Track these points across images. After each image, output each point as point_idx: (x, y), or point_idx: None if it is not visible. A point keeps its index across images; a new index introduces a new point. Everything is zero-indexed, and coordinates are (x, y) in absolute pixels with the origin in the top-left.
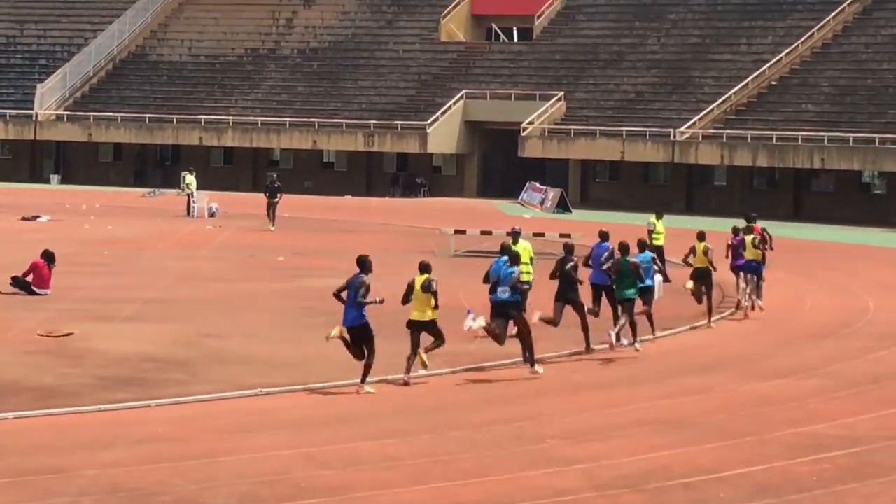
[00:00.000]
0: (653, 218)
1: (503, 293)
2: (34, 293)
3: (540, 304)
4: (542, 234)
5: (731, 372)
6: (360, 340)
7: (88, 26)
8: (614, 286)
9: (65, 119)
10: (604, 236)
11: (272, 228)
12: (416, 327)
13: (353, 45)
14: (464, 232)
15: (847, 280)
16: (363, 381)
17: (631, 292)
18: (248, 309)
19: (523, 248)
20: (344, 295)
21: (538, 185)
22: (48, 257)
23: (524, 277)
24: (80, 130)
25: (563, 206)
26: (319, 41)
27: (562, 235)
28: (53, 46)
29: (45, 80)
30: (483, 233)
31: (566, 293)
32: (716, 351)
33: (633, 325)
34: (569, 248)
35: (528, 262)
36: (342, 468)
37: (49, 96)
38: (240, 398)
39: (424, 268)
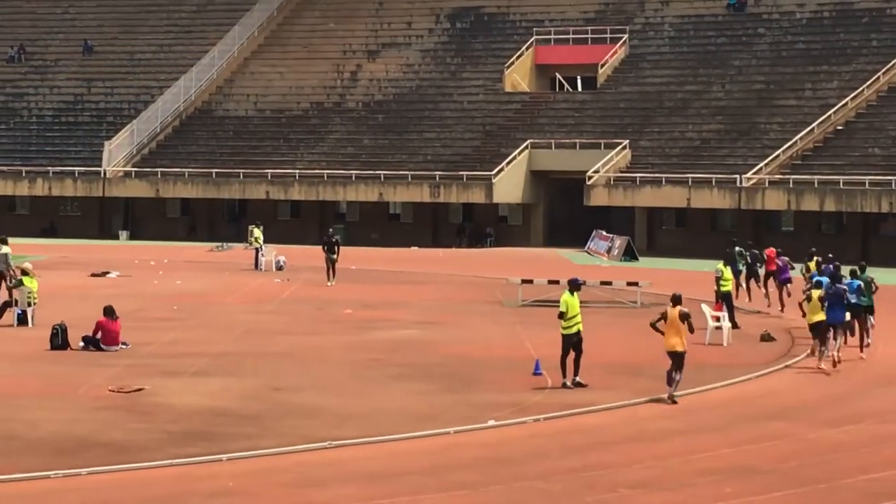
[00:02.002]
0: (720, 265)
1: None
2: (103, 350)
3: (607, 347)
4: (609, 283)
5: (802, 418)
6: None
7: (155, 83)
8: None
9: (133, 175)
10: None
11: (330, 284)
12: (675, 356)
13: (417, 97)
14: (531, 281)
15: None
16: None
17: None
18: (317, 362)
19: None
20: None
21: (605, 233)
22: (108, 312)
23: (576, 328)
24: (148, 186)
25: (630, 254)
26: (384, 94)
27: (629, 284)
28: (120, 104)
29: (112, 137)
30: (550, 282)
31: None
32: (786, 397)
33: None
34: (677, 299)
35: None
36: None
37: (117, 153)
38: (310, 451)
39: (677, 300)
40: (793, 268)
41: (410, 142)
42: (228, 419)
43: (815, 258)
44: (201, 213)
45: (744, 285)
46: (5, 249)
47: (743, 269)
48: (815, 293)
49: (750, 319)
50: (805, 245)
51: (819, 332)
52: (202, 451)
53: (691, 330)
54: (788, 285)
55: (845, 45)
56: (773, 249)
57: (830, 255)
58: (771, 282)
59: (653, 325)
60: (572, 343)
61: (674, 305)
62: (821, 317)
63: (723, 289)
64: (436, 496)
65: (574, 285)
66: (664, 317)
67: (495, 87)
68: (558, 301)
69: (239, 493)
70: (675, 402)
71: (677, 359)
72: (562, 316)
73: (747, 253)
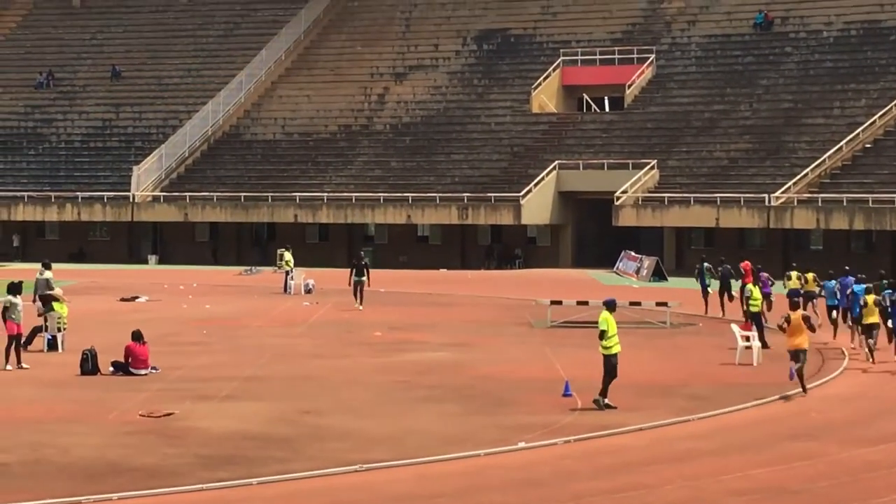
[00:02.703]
0: (750, 285)
1: None
2: (133, 374)
3: (637, 367)
4: (638, 304)
5: (833, 437)
6: None
7: (183, 107)
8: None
9: (161, 200)
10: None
11: (360, 308)
12: (796, 353)
13: (445, 119)
14: (560, 303)
15: None
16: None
17: None
18: (347, 385)
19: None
20: None
21: (633, 253)
22: (137, 337)
23: (615, 349)
24: (177, 211)
25: (658, 274)
26: (412, 116)
27: (659, 304)
28: (149, 128)
29: (141, 161)
30: (579, 303)
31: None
32: (816, 416)
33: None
34: (795, 304)
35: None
36: None
37: (145, 178)
38: (340, 474)
39: (795, 305)
40: (773, 283)
41: (438, 164)
42: (258, 443)
43: (794, 271)
44: (230, 236)
45: (720, 300)
46: (48, 274)
47: (711, 284)
48: (871, 298)
49: (779, 339)
50: (833, 264)
51: (868, 331)
52: (233, 476)
53: (812, 330)
54: (769, 299)
55: (873, 62)
56: (747, 263)
57: (847, 267)
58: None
59: (780, 327)
60: (613, 363)
61: (793, 310)
62: (875, 319)
63: (752, 308)
64: None
65: (611, 305)
66: (787, 320)
67: (523, 109)
68: (588, 322)
69: None
70: (805, 392)
71: (801, 354)
72: (603, 335)
73: (720, 269)
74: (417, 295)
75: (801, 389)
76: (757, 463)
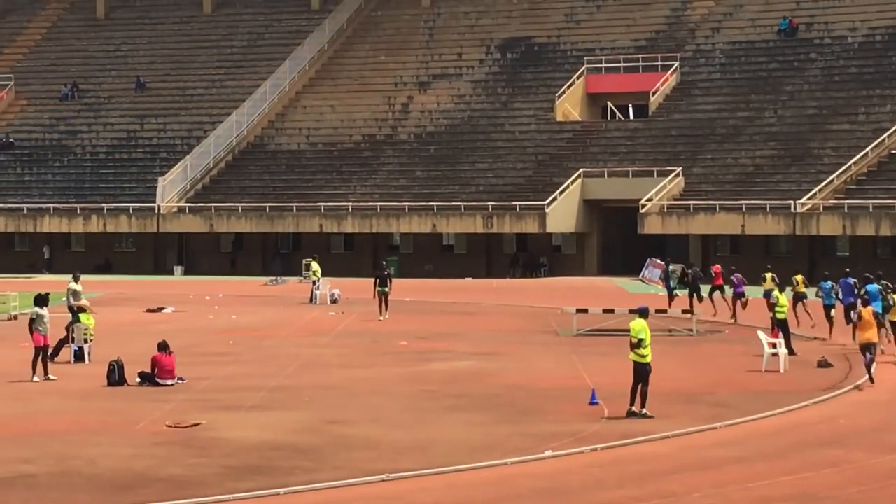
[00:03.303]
0: (775, 291)
1: None
2: (159, 384)
3: (663, 375)
4: (664, 311)
5: (860, 444)
6: None
7: (207, 118)
8: None
9: (186, 211)
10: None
11: (383, 318)
12: (867, 346)
13: (469, 128)
14: (586, 311)
15: None
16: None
17: None
18: (373, 394)
19: (635, 324)
20: None
21: (659, 261)
22: (163, 347)
23: (649, 357)
24: (202, 221)
25: (684, 281)
26: (436, 125)
27: (685, 312)
28: (173, 139)
29: (166, 172)
30: (605, 311)
31: None
32: (843, 423)
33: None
34: (865, 301)
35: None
36: None
37: (170, 189)
38: (368, 484)
39: (866, 302)
40: (746, 283)
41: (463, 173)
42: (285, 453)
43: (770, 274)
44: (254, 247)
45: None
46: (76, 286)
47: (676, 286)
48: (868, 311)
49: (807, 346)
50: (860, 270)
51: (867, 349)
52: (259, 486)
53: (881, 326)
54: (742, 299)
55: None
56: (718, 266)
57: (847, 270)
58: (720, 294)
59: (852, 323)
60: (648, 371)
61: (864, 307)
62: (872, 336)
63: (778, 316)
64: None
65: (644, 313)
66: (859, 316)
67: (547, 117)
68: (614, 331)
69: None
70: (873, 382)
71: (872, 347)
72: (640, 344)
73: (689, 272)
74: (443, 304)
75: (867, 379)
76: (784, 470)
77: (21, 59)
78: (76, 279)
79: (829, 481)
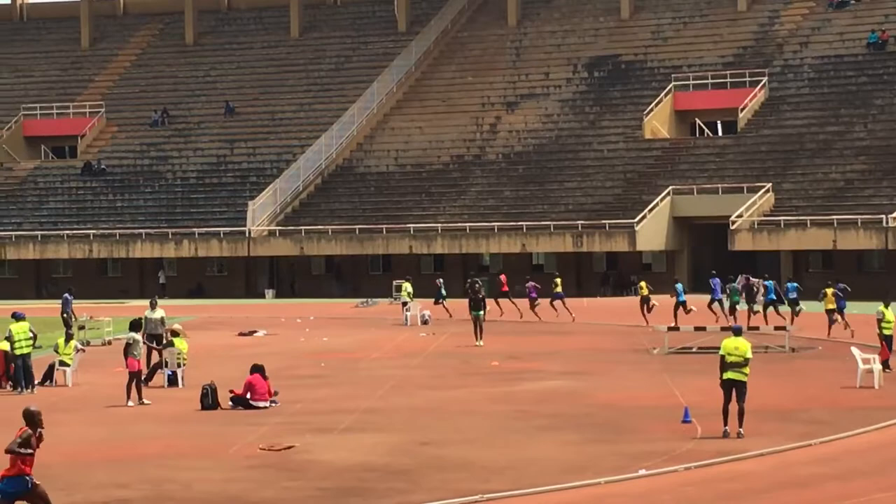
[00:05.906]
0: (881, 307)
1: None
2: (253, 407)
3: (756, 392)
4: (756, 328)
5: None
6: None
7: (296, 142)
8: None
9: (277, 234)
10: None
11: (479, 344)
12: None
13: (557, 147)
14: (677, 329)
15: None
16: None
17: None
18: (465, 415)
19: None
20: None
21: (750, 278)
22: (257, 370)
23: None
24: (292, 245)
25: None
26: (524, 145)
27: (777, 328)
28: (263, 163)
29: (256, 196)
30: (697, 329)
31: None
32: None
33: None
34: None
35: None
36: None
37: (261, 212)
38: None
39: None
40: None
41: (552, 192)
42: (379, 475)
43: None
44: (345, 269)
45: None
46: (160, 313)
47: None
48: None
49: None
50: None
51: None
52: None
53: None
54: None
55: None
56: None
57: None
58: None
59: None
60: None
61: None
62: None
63: (884, 331)
64: None
65: (738, 331)
66: None
67: (635, 135)
68: (707, 348)
69: None
70: None
71: None
72: (747, 362)
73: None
74: (533, 323)
75: None
76: (881, 487)
77: (112, 87)
78: (154, 305)
79: None
